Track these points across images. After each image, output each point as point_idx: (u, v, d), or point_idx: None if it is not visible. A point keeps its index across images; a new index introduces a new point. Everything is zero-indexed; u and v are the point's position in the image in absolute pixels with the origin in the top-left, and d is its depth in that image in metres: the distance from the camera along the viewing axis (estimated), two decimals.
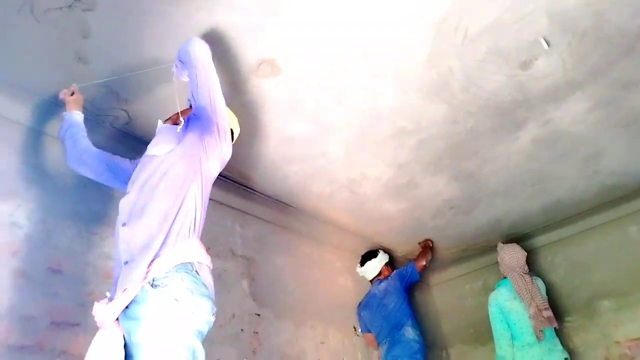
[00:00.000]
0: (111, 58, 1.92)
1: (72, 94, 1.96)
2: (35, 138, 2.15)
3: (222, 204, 2.86)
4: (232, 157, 2.58)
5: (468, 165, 2.89)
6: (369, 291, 3.54)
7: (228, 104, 1.95)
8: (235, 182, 2.86)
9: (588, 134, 2.70)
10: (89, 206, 2.21)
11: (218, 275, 2.64)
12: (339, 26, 1.91)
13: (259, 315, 2.76)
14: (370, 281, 3.62)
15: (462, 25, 1.97)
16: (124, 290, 1.36)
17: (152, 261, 1.39)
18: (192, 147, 1.64)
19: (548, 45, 2.11)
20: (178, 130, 1.70)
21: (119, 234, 1.49)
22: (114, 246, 1.61)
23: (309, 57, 2.04)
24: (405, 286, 3.45)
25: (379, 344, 3.30)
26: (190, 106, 1.85)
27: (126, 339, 1.34)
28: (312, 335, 3.04)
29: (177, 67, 1.86)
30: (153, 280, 1.36)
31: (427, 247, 3.76)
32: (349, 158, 2.73)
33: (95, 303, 1.42)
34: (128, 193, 1.58)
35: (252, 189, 2.94)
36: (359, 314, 3.47)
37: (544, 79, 2.30)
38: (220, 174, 2.72)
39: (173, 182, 1.55)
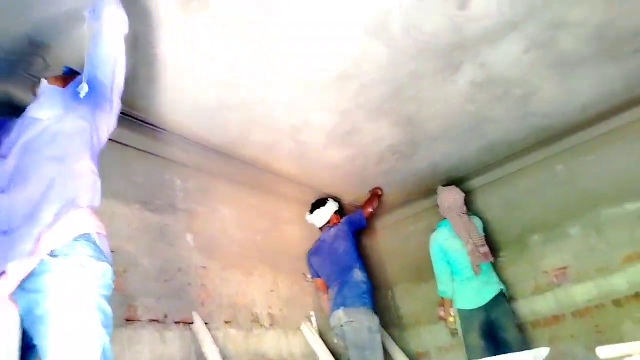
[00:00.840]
0: None
1: None
2: None
3: (159, 156, 2.74)
4: (168, 105, 2.48)
5: (409, 109, 2.91)
6: (319, 238, 3.60)
7: (157, 46, 1.82)
8: (172, 133, 2.73)
9: (522, 76, 2.78)
10: None
11: (160, 230, 2.57)
12: None
13: (205, 267, 2.73)
14: (320, 229, 3.67)
15: None
16: (10, 264, 1.28)
17: (41, 233, 1.33)
18: (82, 118, 1.56)
19: None
20: (82, 94, 1.58)
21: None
22: None
23: None
24: (353, 231, 3.54)
25: (328, 287, 3.39)
26: (72, 74, 1.77)
27: (23, 314, 1.29)
28: (262, 284, 3.07)
29: (90, 14, 1.65)
30: (52, 252, 1.32)
31: (375, 195, 3.86)
32: (291, 104, 2.66)
33: None
34: (5, 158, 1.46)
35: (190, 139, 2.82)
36: (309, 260, 3.54)
37: (480, 20, 2.31)
38: (155, 125, 2.62)
39: (61, 149, 1.48)
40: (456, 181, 3.91)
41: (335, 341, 3.22)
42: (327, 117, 2.85)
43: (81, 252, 1.36)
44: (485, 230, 3.64)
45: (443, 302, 3.49)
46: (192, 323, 2.47)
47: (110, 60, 1.61)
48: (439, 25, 2.29)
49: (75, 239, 1.37)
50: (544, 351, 1.59)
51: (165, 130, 2.67)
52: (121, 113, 2.28)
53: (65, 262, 1.31)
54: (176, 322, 2.41)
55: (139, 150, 2.63)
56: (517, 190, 3.77)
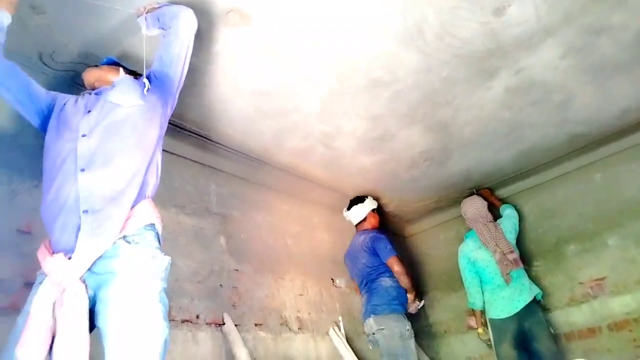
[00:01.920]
0: (67, 8, 1.80)
1: None
2: None
3: (195, 162, 2.82)
4: (206, 113, 2.55)
5: (442, 115, 2.89)
6: (353, 239, 3.52)
7: (197, 55, 1.88)
8: (208, 139, 2.80)
9: (559, 81, 2.73)
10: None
11: (195, 233, 2.63)
12: None
13: (237, 270, 2.78)
14: (356, 226, 3.60)
15: None
16: (80, 245, 1.30)
17: (127, 218, 1.39)
18: (155, 109, 1.65)
19: None
20: (145, 90, 1.66)
21: (77, 179, 1.40)
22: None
23: (280, 5, 1.96)
24: (375, 253, 3.30)
25: (360, 291, 3.36)
26: (116, 65, 1.87)
27: (90, 295, 1.29)
28: (291, 288, 3.10)
29: (146, 19, 1.78)
30: (124, 237, 1.36)
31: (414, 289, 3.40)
32: (324, 111, 2.69)
33: (49, 257, 1.33)
34: (85, 136, 1.49)
35: (226, 146, 2.89)
36: (345, 261, 3.52)
37: (516, 26, 2.28)
38: (192, 131, 2.69)
39: (144, 139, 1.56)
40: (489, 188, 3.86)
41: (371, 347, 3.18)
42: (359, 123, 2.86)
43: (150, 241, 1.41)
44: (519, 238, 3.57)
45: (473, 312, 3.45)
46: (223, 324, 2.52)
47: (181, 58, 1.73)
48: (474, 32, 2.27)
49: (145, 227, 1.42)
50: None
51: (202, 136, 2.74)
52: None
53: (137, 249, 1.35)
54: (208, 323, 2.46)
55: (177, 155, 2.71)
56: (554, 198, 3.68)
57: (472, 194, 3.81)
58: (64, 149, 1.48)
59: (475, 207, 3.59)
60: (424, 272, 4.30)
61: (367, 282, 3.27)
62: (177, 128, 2.62)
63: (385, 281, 3.20)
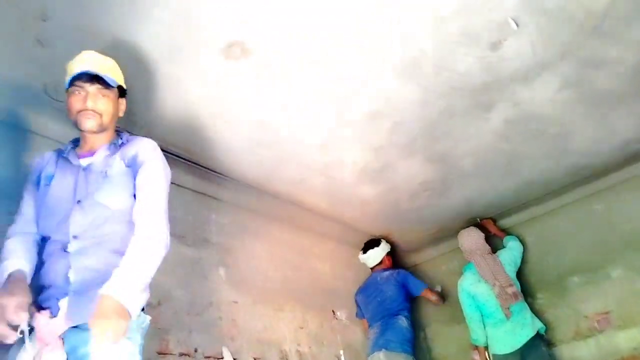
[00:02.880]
0: (72, 41, 1.85)
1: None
2: None
3: (195, 191, 2.82)
4: (205, 143, 2.57)
5: (441, 147, 2.91)
6: (369, 278, 3.66)
7: (198, 87, 1.91)
8: (208, 169, 2.81)
9: (557, 114, 2.75)
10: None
11: (194, 264, 2.61)
12: (310, 8, 1.88)
13: (236, 302, 2.74)
14: (371, 269, 3.71)
15: (434, 5, 1.96)
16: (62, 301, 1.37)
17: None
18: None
19: (517, 25, 2.12)
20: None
21: (70, 243, 1.45)
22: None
23: (280, 39, 2.01)
24: (405, 288, 3.53)
25: (369, 326, 3.42)
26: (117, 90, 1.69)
27: (69, 351, 1.33)
28: (291, 320, 3.05)
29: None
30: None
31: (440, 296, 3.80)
32: (324, 142, 2.71)
33: (37, 314, 1.37)
34: (78, 202, 1.51)
35: (225, 176, 2.90)
36: (355, 298, 3.62)
37: (513, 60, 2.32)
38: (192, 161, 2.71)
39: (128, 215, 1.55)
40: (491, 219, 3.84)
41: None
42: (359, 155, 2.89)
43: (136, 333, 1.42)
44: (520, 270, 3.54)
45: (477, 347, 3.38)
46: (222, 358, 2.47)
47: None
48: (471, 66, 2.31)
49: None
50: None
51: (202, 166, 2.76)
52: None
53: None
54: (206, 357, 2.41)
55: (177, 185, 2.72)
56: (555, 230, 3.65)
57: (474, 224, 3.79)
58: (59, 226, 1.49)
59: (471, 239, 3.57)
60: (425, 303, 4.23)
61: (383, 317, 3.32)
62: (178, 158, 2.64)
63: (403, 320, 3.31)
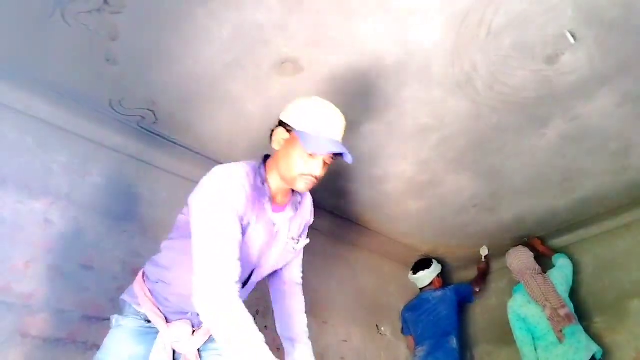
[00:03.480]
0: (139, 59, 1.97)
1: None
2: (64, 138, 2.21)
3: None
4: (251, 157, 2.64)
5: (492, 161, 2.86)
6: (419, 296, 3.66)
7: (252, 102, 1.98)
8: None
9: (616, 129, 2.64)
10: (119, 204, 2.27)
11: None
12: (361, 24, 1.92)
13: None
14: (420, 289, 3.71)
15: (486, 18, 1.95)
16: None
17: None
18: None
19: (574, 39, 2.07)
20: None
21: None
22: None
23: (330, 55, 2.05)
24: (458, 302, 3.57)
25: (417, 344, 3.39)
26: None
27: None
28: (335, 333, 3.05)
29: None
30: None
31: (483, 272, 3.86)
32: (372, 155, 2.73)
33: (177, 323, 1.40)
34: (258, 264, 1.48)
35: None
36: (403, 315, 3.62)
37: (570, 74, 2.25)
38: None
39: None
40: (544, 237, 3.71)
41: None
42: (406, 167, 2.88)
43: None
44: (575, 292, 3.38)
45: None
46: None
47: None
48: (525, 80, 2.26)
49: None
50: None
51: None
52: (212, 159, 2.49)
53: None
54: None
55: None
56: (615, 250, 3.47)
57: (522, 242, 3.67)
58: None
59: (520, 259, 3.45)
60: (474, 322, 4.12)
61: (434, 337, 3.30)
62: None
63: (453, 342, 3.30)
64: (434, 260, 3.76)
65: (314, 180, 1.40)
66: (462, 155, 2.79)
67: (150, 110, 2.25)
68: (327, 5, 1.82)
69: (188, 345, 1.39)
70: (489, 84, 2.27)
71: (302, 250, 1.58)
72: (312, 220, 1.57)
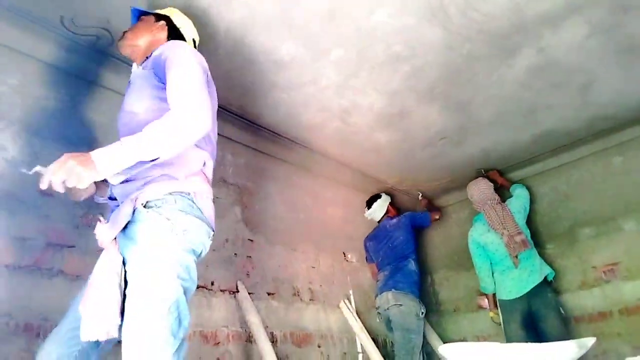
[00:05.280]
0: None
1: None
2: (14, 58, 2.06)
3: None
4: (223, 84, 2.55)
5: (462, 94, 2.86)
6: (378, 226, 3.79)
7: (210, 26, 1.88)
8: (225, 110, 2.81)
9: (583, 62, 2.67)
10: (77, 131, 2.17)
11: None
12: None
13: (251, 240, 2.83)
14: (378, 222, 3.82)
15: None
16: (119, 209, 1.38)
17: (145, 183, 1.39)
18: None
19: None
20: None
21: None
22: None
23: None
24: (414, 226, 3.69)
25: (379, 269, 3.55)
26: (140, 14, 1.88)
27: (123, 256, 1.35)
28: (304, 260, 3.15)
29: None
30: (147, 202, 1.37)
31: (430, 203, 4.17)
32: (341, 85, 2.67)
33: (98, 223, 1.43)
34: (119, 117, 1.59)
35: (242, 118, 2.90)
36: (365, 244, 3.75)
37: (542, 1, 2.22)
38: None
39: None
40: (505, 169, 3.84)
41: (378, 320, 3.37)
42: (375, 99, 2.85)
43: (172, 205, 1.37)
44: (532, 220, 3.57)
45: (485, 295, 3.50)
46: (237, 292, 2.58)
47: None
48: (498, 6, 2.22)
49: (172, 193, 1.39)
50: (590, 341, 1.56)
51: (220, 107, 2.75)
52: None
53: (155, 213, 1.34)
54: (222, 290, 2.52)
55: None
56: (570, 182, 3.64)
57: (479, 175, 3.79)
58: None
59: (480, 190, 3.59)
60: (436, 250, 4.32)
61: (394, 261, 3.46)
62: None
63: (412, 264, 3.45)
64: (382, 193, 3.89)
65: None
66: (433, 87, 2.77)
67: (106, 30, 2.10)
68: None
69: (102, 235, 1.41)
70: (462, 10, 2.22)
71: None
72: (165, 51, 1.56)
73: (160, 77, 1.52)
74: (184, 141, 1.34)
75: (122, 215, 1.35)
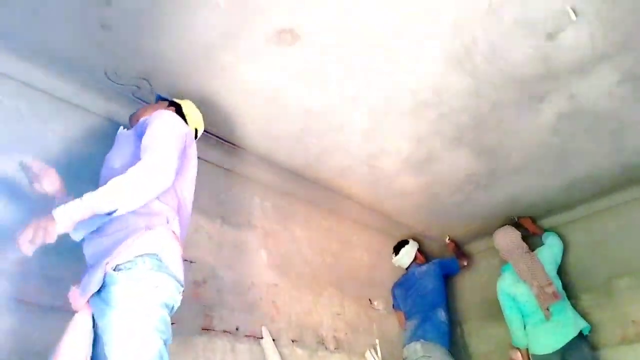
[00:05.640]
0: (134, 25, 1.93)
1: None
2: (60, 106, 2.18)
3: (240, 175, 2.89)
4: (251, 129, 2.63)
5: (490, 139, 2.85)
6: (406, 272, 3.73)
7: (245, 74, 1.97)
8: (253, 154, 2.87)
9: (614, 109, 2.64)
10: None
11: (237, 245, 2.69)
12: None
13: (277, 285, 2.81)
14: (406, 269, 3.77)
15: None
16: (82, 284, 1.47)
17: (114, 242, 1.48)
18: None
19: (576, 15, 2.05)
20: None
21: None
22: None
23: (330, 27, 2.02)
24: (443, 274, 3.64)
25: (407, 318, 3.46)
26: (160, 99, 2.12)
27: (95, 319, 1.42)
28: (329, 305, 3.09)
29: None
30: (116, 266, 1.43)
31: (458, 247, 4.04)
32: (369, 131, 2.71)
33: (72, 287, 1.50)
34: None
35: (271, 161, 2.95)
36: (393, 292, 3.67)
37: (570, 51, 2.24)
38: (238, 145, 2.77)
39: None
40: (537, 216, 3.75)
41: None
42: (403, 144, 2.87)
43: (141, 266, 1.44)
44: (563, 270, 3.44)
45: (519, 350, 3.33)
46: (261, 338, 2.54)
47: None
48: (525, 56, 2.25)
49: (139, 256, 1.45)
50: None
51: (248, 151, 2.83)
52: (208, 133, 2.48)
53: (126, 275, 1.41)
54: (246, 335, 2.49)
55: (223, 168, 2.80)
56: (605, 230, 3.51)
57: (511, 222, 3.70)
58: None
59: (508, 238, 3.50)
60: (464, 299, 4.18)
61: (422, 310, 3.37)
62: (225, 142, 2.72)
63: (442, 314, 3.36)
64: (409, 239, 3.85)
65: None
66: (460, 132, 2.78)
67: (146, 80, 2.21)
68: None
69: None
70: (489, 59, 2.26)
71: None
72: (150, 118, 1.72)
73: (140, 138, 1.64)
74: (141, 192, 1.45)
75: (95, 281, 1.42)
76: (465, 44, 2.16)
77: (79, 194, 1.88)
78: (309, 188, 3.24)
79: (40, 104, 2.12)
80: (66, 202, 1.50)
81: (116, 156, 1.71)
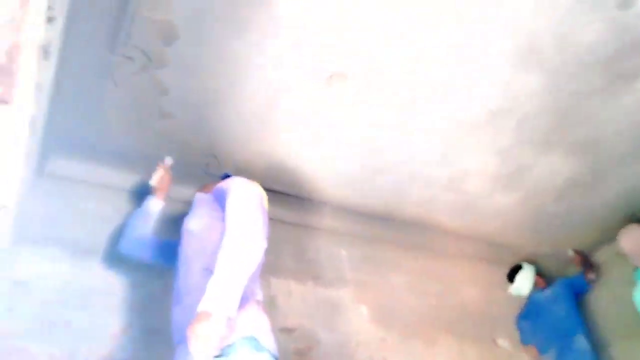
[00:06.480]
0: (191, 107, 2.00)
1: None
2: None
3: (321, 229, 2.82)
4: (322, 179, 2.58)
5: (583, 134, 2.56)
6: (529, 301, 3.38)
7: (303, 115, 1.93)
8: (328, 204, 2.80)
9: None
10: None
11: (334, 304, 2.58)
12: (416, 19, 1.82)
13: (384, 340, 2.62)
14: (527, 296, 3.43)
15: None
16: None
17: None
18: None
19: None
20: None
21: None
22: None
23: (378, 57, 1.96)
24: (574, 294, 3.30)
25: (541, 352, 3.12)
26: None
27: None
28: (447, 353, 2.84)
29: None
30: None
31: (585, 258, 3.52)
32: (443, 155, 2.56)
33: None
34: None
35: (348, 208, 2.86)
36: (518, 325, 3.33)
37: None
38: (311, 198, 2.72)
39: (208, 258, 1.51)
40: None
41: None
42: (485, 161, 2.66)
43: (242, 348, 1.35)
44: None
45: None
46: None
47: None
48: (597, 33, 2.02)
49: (239, 340, 1.37)
50: None
51: (323, 202, 2.77)
52: (280, 192, 2.44)
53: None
54: None
55: (305, 226, 2.76)
56: None
57: (634, 219, 3.22)
58: None
59: (633, 239, 3.03)
60: (602, 318, 3.63)
61: (559, 340, 3.05)
62: (298, 199, 2.68)
63: (583, 342, 3.00)
64: (522, 263, 3.47)
65: None
66: (547, 134, 2.53)
67: (212, 155, 2.27)
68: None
69: None
70: (558, 47, 2.05)
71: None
72: (228, 184, 1.66)
73: (220, 203, 1.63)
74: (250, 260, 1.40)
75: None
76: (528, 38, 1.99)
77: None
78: (394, 229, 3.08)
79: (122, 203, 2.24)
80: None
81: (194, 217, 1.71)
